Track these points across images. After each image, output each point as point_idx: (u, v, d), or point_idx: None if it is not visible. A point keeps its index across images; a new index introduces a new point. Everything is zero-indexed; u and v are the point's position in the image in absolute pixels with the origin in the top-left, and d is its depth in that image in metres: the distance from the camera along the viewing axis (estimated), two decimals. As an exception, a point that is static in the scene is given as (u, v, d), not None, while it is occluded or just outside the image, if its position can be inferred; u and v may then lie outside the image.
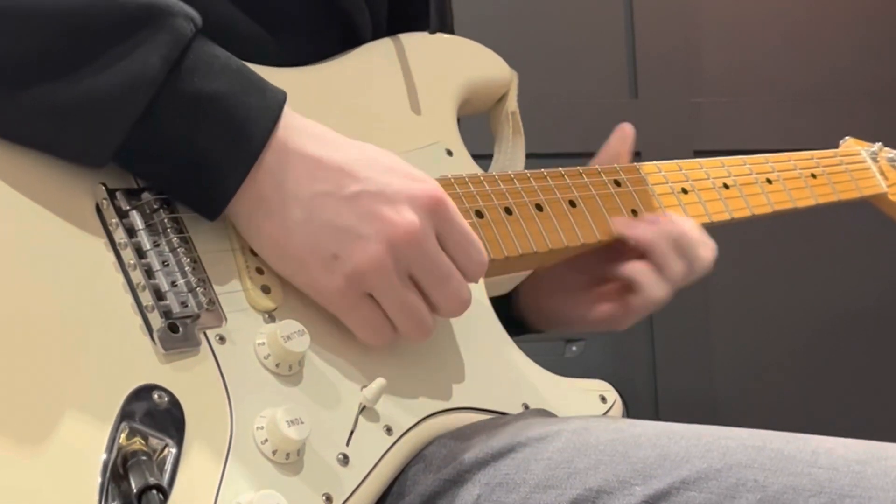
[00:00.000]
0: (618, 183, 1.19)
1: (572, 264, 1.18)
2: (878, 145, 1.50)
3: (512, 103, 1.22)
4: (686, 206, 1.23)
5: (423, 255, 0.92)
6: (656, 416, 2.30)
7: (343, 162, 0.92)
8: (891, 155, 1.49)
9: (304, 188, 0.90)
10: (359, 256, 0.90)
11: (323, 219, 0.90)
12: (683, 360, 2.35)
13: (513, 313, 1.24)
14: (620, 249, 1.16)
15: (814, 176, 1.38)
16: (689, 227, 1.18)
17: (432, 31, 1.13)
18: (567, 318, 1.22)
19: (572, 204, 1.13)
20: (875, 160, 1.47)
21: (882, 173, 1.47)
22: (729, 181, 1.29)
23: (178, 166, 0.88)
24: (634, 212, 1.18)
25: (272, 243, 0.91)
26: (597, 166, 1.18)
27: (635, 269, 1.14)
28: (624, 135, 1.26)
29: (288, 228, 0.90)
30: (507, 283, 1.19)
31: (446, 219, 0.94)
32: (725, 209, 1.27)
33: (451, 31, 1.27)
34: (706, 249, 1.17)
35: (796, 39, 2.51)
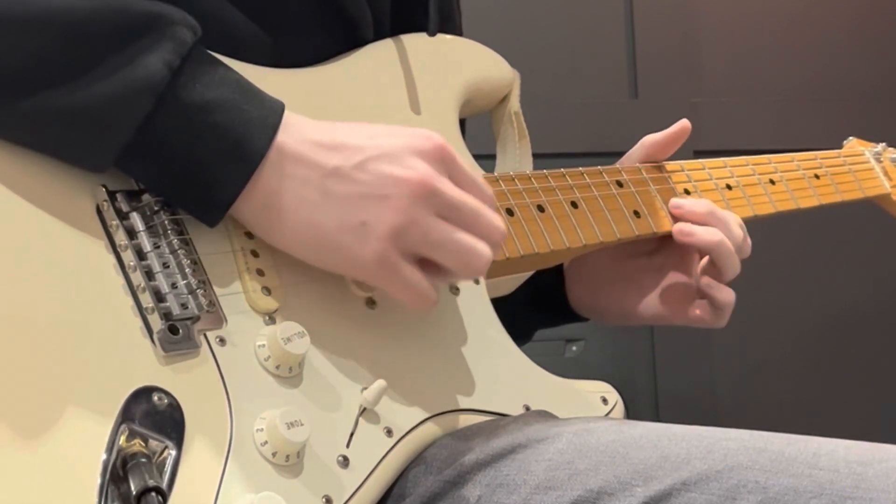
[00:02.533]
0: (620, 184, 1.19)
1: (616, 254, 1.23)
2: (881, 145, 1.50)
3: (515, 104, 1.22)
4: None
5: (446, 197, 0.92)
6: (656, 416, 2.30)
7: (343, 138, 0.92)
8: (894, 155, 1.49)
9: (313, 170, 0.90)
10: (389, 216, 0.90)
11: (341, 192, 0.90)
12: (683, 360, 2.35)
13: (560, 304, 1.28)
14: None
15: (817, 176, 1.38)
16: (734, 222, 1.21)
17: (432, 34, 1.13)
18: (634, 313, 1.25)
19: (574, 205, 1.13)
20: (879, 160, 1.47)
21: (886, 173, 1.47)
22: (732, 182, 1.29)
23: (178, 172, 0.88)
24: (637, 213, 1.18)
25: (297, 234, 0.91)
26: (599, 167, 1.18)
27: (723, 298, 1.21)
28: (683, 129, 1.27)
29: (308, 213, 0.90)
30: (508, 284, 1.19)
31: (452, 163, 0.94)
32: (728, 210, 1.27)
33: (460, 31, 1.27)
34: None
35: (796, 39, 2.51)
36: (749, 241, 1.21)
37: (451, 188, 0.93)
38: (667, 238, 1.21)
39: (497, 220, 0.95)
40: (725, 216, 1.20)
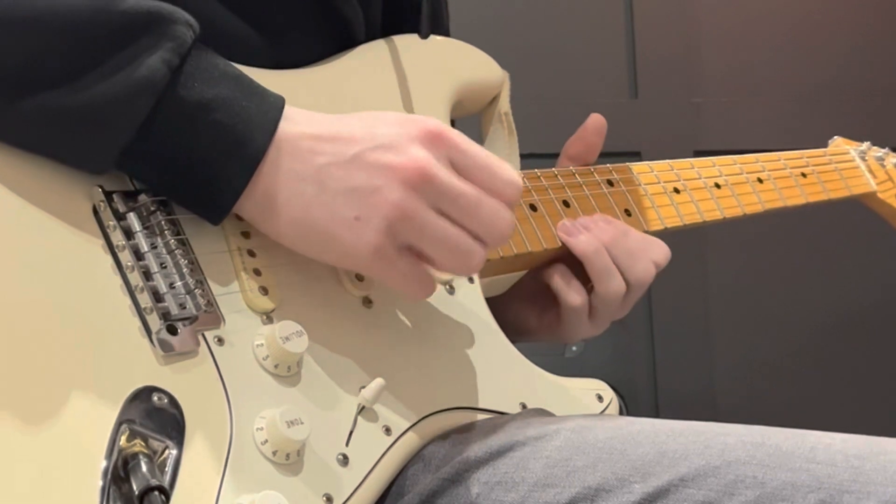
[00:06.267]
0: (611, 183, 1.19)
1: (532, 273, 1.15)
2: (866, 144, 1.51)
3: (504, 104, 1.22)
4: (678, 205, 1.24)
5: (442, 187, 0.91)
6: (656, 416, 2.29)
7: (338, 130, 0.92)
8: (879, 154, 1.50)
9: (309, 166, 0.90)
10: (381, 208, 0.89)
11: (334, 187, 0.90)
12: (683, 360, 2.35)
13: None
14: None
15: (804, 175, 1.39)
16: (625, 236, 1.12)
17: (424, 36, 1.13)
18: (523, 328, 1.17)
19: (566, 204, 1.14)
20: (864, 159, 1.48)
21: (871, 172, 1.47)
22: (720, 181, 1.30)
23: (180, 171, 0.88)
24: (627, 212, 1.18)
25: (294, 228, 0.91)
26: (590, 167, 1.19)
27: (549, 276, 1.12)
28: (598, 125, 1.22)
29: (304, 208, 0.90)
30: (502, 283, 1.19)
31: (454, 146, 0.92)
32: (717, 208, 1.28)
33: (447, 32, 1.27)
34: (647, 260, 1.12)
35: (796, 39, 2.51)
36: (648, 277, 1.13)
37: (447, 176, 0.91)
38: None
39: (503, 213, 0.93)
40: (637, 244, 1.12)
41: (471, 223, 0.92)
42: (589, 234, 1.11)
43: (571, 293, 1.10)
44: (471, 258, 0.92)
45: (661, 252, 1.14)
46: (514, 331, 1.11)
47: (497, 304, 1.10)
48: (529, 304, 1.16)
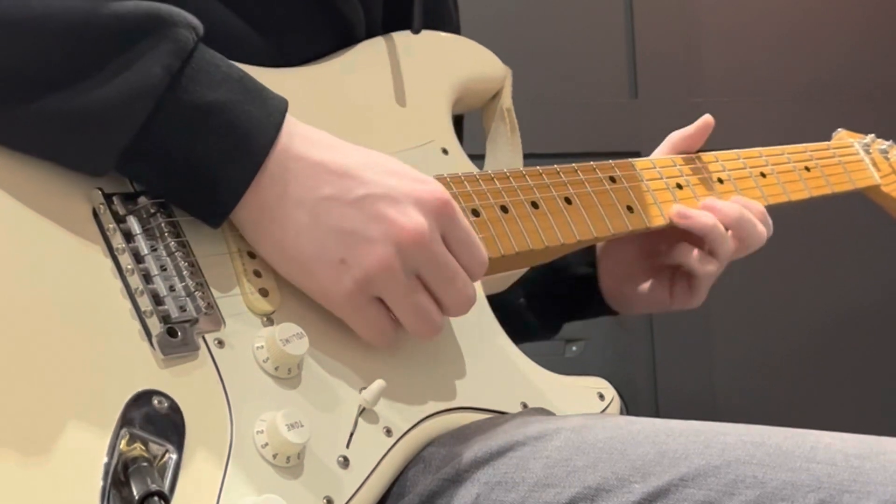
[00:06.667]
0: (613, 179, 1.19)
1: (643, 249, 1.28)
2: (870, 137, 1.50)
3: (506, 100, 1.22)
4: (681, 201, 1.24)
5: (430, 256, 0.92)
6: (656, 415, 2.29)
7: (347, 166, 0.92)
8: (883, 146, 1.49)
9: (309, 193, 0.90)
10: (367, 260, 0.90)
11: (329, 223, 0.90)
12: (683, 360, 2.35)
13: (596, 296, 1.33)
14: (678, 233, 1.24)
15: (807, 169, 1.38)
16: (745, 211, 1.25)
17: (416, 31, 1.13)
18: (646, 303, 1.31)
19: (568, 201, 1.14)
20: (868, 152, 1.48)
21: (875, 165, 1.47)
22: (723, 175, 1.30)
23: (180, 175, 0.88)
24: (630, 208, 1.18)
25: (278, 249, 0.91)
26: (592, 163, 1.19)
27: (682, 255, 1.24)
28: (706, 124, 1.33)
29: (294, 234, 0.90)
30: (503, 280, 1.20)
31: (451, 219, 0.94)
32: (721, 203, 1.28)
33: (457, 30, 1.27)
34: (759, 231, 1.26)
35: (796, 39, 2.51)
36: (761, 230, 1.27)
37: (438, 247, 0.93)
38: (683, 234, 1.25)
39: (468, 290, 0.95)
40: (747, 216, 1.25)
41: (444, 293, 0.94)
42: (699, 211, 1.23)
43: (706, 264, 1.23)
44: (432, 327, 0.95)
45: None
46: (648, 308, 1.30)
47: (622, 299, 1.30)
48: (658, 285, 1.29)
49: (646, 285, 1.30)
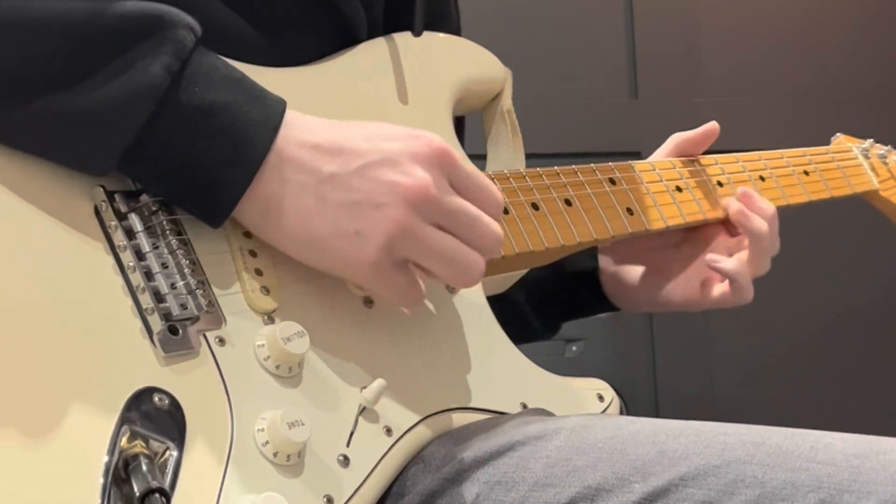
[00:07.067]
0: (613, 181, 1.19)
1: (657, 246, 1.28)
2: (868, 142, 1.50)
3: (507, 101, 1.22)
4: (681, 203, 1.24)
5: (444, 205, 0.92)
6: (656, 415, 2.30)
7: (342, 141, 0.92)
8: (881, 151, 1.50)
9: (310, 176, 0.90)
10: (383, 225, 0.90)
11: (336, 200, 0.90)
12: (683, 360, 2.35)
13: (595, 291, 1.34)
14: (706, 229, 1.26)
15: (806, 173, 1.39)
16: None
17: (417, 33, 1.13)
18: (664, 301, 1.31)
19: (568, 202, 1.14)
20: (867, 157, 1.48)
21: (873, 169, 1.47)
22: (723, 179, 1.30)
23: (180, 176, 0.88)
24: (629, 210, 1.18)
25: (293, 237, 0.91)
26: (592, 165, 1.19)
27: (731, 268, 1.25)
28: (711, 131, 1.33)
29: (305, 218, 0.90)
30: (503, 281, 1.20)
31: (453, 165, 0.94)
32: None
33: (458, 31, 1.27)
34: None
35: (796, 39, 2.51)
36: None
37: (448, 195, 0.93)
38: (692, 231, 1.27)
39: (493, 227, 0.95)
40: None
41: (469, 237, 0.93)
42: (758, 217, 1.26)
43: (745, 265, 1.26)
44: (472, 268, 0.94)
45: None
46: (683, 308, 1.30)
47: (657, 299, 1.30)
48: (693, 288, 1.29)
49: (651, 281, 1.30)
